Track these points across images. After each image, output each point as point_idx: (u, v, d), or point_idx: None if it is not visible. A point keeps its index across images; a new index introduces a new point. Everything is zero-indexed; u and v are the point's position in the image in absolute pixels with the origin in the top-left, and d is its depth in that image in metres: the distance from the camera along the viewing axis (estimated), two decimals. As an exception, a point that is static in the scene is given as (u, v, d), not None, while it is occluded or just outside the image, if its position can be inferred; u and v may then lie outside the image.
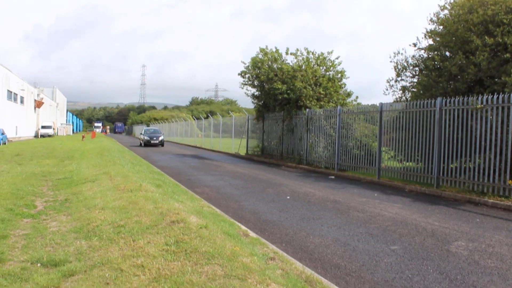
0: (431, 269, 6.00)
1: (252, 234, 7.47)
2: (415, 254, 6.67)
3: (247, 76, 26.28)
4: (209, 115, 56.03)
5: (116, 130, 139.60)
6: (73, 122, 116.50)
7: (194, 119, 55.41)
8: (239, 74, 26.57)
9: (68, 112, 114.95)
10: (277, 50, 25.47)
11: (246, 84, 26.55)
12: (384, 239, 7.55)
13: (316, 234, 7.87)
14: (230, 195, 12.27)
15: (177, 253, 5.38)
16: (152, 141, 43.69)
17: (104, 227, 6.69)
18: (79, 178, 13.05)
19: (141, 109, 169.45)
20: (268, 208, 10.36)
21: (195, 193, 12.01)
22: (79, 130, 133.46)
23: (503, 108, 11.57)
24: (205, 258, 5.22)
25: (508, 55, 12.98)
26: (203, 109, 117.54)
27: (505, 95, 11.58)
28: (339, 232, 8.08)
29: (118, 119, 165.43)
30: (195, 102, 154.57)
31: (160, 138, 44.31)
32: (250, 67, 25.80)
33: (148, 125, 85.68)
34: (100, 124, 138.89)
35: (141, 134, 48.13)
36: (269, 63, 25.13)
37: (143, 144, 44.14)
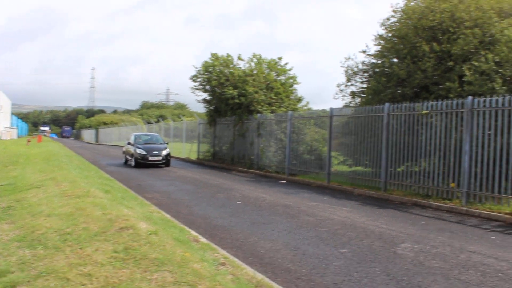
0: (379, 271, 6.07)
1: (202, 239, 7.36)
2: (363, 257, 6.73)
3: (198, 80, 26.03)
4: (160, 119, 52.95)
5: (64, 134, 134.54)
6: (18, 126, 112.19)
7: (145, 123, 54.47)
8: (190, 79, 26.27)
9: (13, 116, 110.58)
10: (228, 55, 25.44)
11: (197, 89, 26.29)
12: (334, 243, 7.60)
13: (267, 239, 7.83)
14: (180, 200, 12.08)
15: (126, 260, 5.20)
16: (150, 157, 23.03)
17: (49, 235, 6.39)
18: (24, 184, 12.49)
19: (90, 113, 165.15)
20: (219, 213, 10.26)
21: (145, 198, 11.74)
22: (25, 134, 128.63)
23: (447, 114, 11.93)
24: (155, 265, 5.08)
25: (452, 63, 13.42)
26: (154, 113, 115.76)
27: (449, 102, 11.96)
28: (289, 236, 8.07)
29: (66, 123, 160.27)
30: (145, 106, 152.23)
31: (164, 152, 23.64)
32: (201, 72, 25.59)
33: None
34: (47, 128, 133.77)
35: (128, 144, 25.34)
36: (221, 67, 25.04)
37: (133, 163, 23.37)
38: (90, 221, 7.01)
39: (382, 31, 16.77)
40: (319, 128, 18.26)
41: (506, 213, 9.90)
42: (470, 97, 11.32)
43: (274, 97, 23.16)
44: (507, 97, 10.54)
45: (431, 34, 14.42)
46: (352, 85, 18.19)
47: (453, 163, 11.64)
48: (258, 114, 21.91)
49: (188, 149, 33.07)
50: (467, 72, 12.57)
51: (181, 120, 38.05)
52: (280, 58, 24.74)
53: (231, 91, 23.08)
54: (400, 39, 15.39)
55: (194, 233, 7.83)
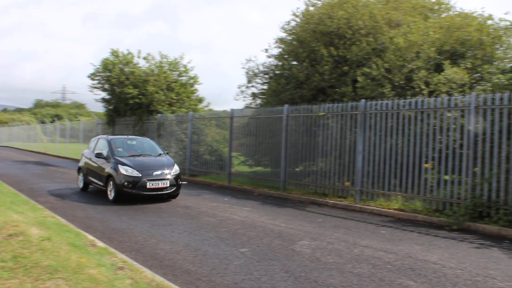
0: (278, 268, 6.20)
1: (100, 243, 7.08)
2: (263, 256, 6.85)
3: (97, 78, 25.00)
4: (55, 119, 49.82)
5: None
6: None
7: (39, 123, 51.42)
8: (89, 77, 25.18)
9: None
10: (130, 53, 24.75)
11: (96, 87, 25.25)
12: (234, 243, 7.65)
13: (167, 241, 7.71)
14: (77, 204, 11.53)
15: (14, 269, 4.85)
16: (150, 183, 11.86)
17: None
18: None
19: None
20: (118, 216, 9.94)
21: (38, 202, 11.05)
22: None
23: (342, 116, 12.50)
24: (48, 272, 4.80)
25: (347, 67, 14.10)
26: (49, 112, 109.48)
27: (344, 104, 12.54)
28: (189, 237, 8.01)
29: None
30: (39, 104, 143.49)
31: (172, 172, 12.44)
32: (100, 70, 24.63)
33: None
34: None
35: (98, 156, 13.04)
36: (121, 66, 24.29)
37: (112, 194, 12.05)
38: (-28, 229, 6.49)
39: (282, 34, 17.22)
40: (220, 129, 18.34)
41: (395, 209, 10.58)
42: (363, 101, 11.95)
43: (175, 97, 22.90)
44: (395, 101, 11.26)
45: (329, 39, 15.04)
46: (253, 86, 18.51)
47: (348, 162, 12.23)
48: (159, 115, 21.54)
49: (85, 150, 31.65)
50: (360, 78, 13.27)
51: (79, 120, 36.46)
52: (182, 58, 24.52)
53: (131, 91, 22.48)
54: (300, 43, 15.89)
55: (91, 237, 7.52)
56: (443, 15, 16.64)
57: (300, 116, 13.73)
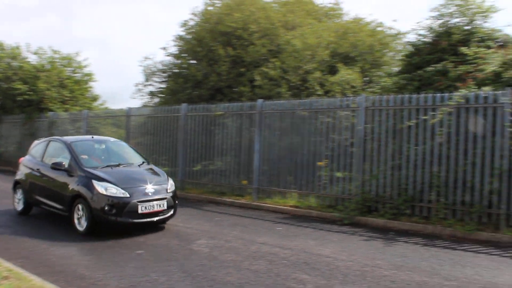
0: (175, 268, 6.12)
1: None
2: (160, 256, 6.72)
3: (-20, 73, 23.23)
4: None
5: None
6: None
7: None
8: (-31, 71, 23.29)
9: None
10: (18, 47, 23.21)
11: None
12: (130, 244, 7.45)
13: (59, 245, 7.34)
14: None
15: None
16: (142, 206, 8.15)
17: None
18: None
19: None
20: (3, 221, 9.29)
21: None
22: None
23: (240, 115, 12.61)
24: None
25: (244, 68, 14.29)
26: None
27: (242, 104, 12.67)
28: (84, 240, 7.69)
29: None
30: None
31: (170, 188, 9.01)
32: (-15, 64, 22.89)
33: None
34: None
35: (55, 167, 8.89)
36: (8, 60, 22.72)
37: (83, 224, 8.15)
38: None
39: (182, 33, 17.06)
40: (117, 127, 17.75)
41: (291, 206, 10.88)
42: (260, 100, 12.15)
43: (69, 94, 21.84)
44: (291, 101, 11.60)
45: (227, 40, 15.15)
46: (151, 84, 18.17)
47: (246, 161, 12.37)
48: (51, 113, 20.38)
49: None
50: (257, 77, 13.50)
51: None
52: (78, 54, 23.45)
53: (20, 86, 21.03)
54: (198, 42, 15.86)
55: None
56: (337, 20, 17.45)
57: (198, 115, 13.66)
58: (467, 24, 11.65)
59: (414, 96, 9.38)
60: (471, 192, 8.46)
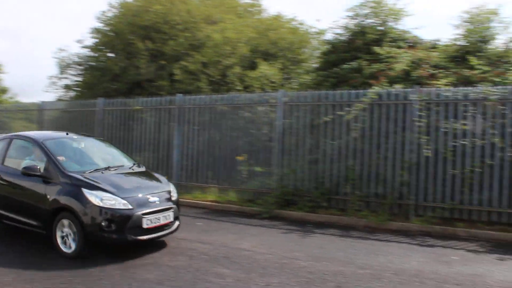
0: (90, 267, 5.92)
1: None
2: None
3: None
4: None
5: None
6: None
7: None
8: None
9: None
10: None
11: None
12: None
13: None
14: None
15: None
16: (148, 219, 6.48)
17: None
18: None
19: None
20: None
21: None
22: None
23: (159, 109, 12.38)
24: None
25: (164, 62, 14.05)
26: None
27: (161, 98, 12.43)
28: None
29: None
30: None
31: (174, 195, 7.39)
32: None
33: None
34: None
35: (30, 170, 6.70)
36: None
37: (72, 244, 6.32)
38: None
39: (99, 25, 16.48)
40: (29, 122, 16.84)
41: (211, 201, 10.84)
42: (179, 95, 11.99)
43: (-27, 87, 20.51)
44: (211, 96, 11.58)
45: (146, 33, 14.83)
46: (66, 78, 17.41)
47: (165, 156, 12.17)
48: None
49: None
50: (177, 71, 13.32)
51: None
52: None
53: None
54: (116, 34, 15.42)
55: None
56: (257, 17, 17.61)
57: (115, 109, 13.24)
58: (381, 25, 12.21)
59: (331, 92, 9.70)
60: (383, 185, 8.89)
